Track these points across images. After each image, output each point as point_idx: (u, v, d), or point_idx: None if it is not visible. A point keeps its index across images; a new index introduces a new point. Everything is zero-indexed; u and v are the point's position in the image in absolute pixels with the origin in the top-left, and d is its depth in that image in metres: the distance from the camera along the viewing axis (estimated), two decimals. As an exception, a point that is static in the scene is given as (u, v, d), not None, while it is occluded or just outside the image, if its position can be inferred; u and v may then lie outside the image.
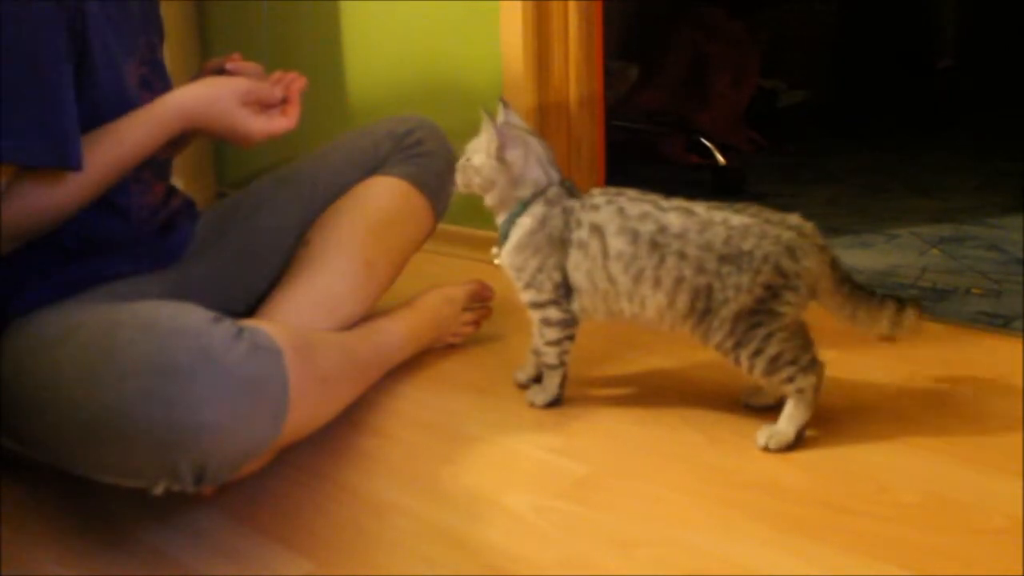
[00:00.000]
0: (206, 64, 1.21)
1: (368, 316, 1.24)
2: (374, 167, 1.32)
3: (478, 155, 1.11)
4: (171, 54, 1.20)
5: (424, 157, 1.33)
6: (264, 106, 1.08)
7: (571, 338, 1.12)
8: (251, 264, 1.24)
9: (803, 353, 1.01)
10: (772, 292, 0.99)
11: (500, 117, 1.13)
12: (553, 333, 1.11)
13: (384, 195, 1.29)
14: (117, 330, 0.85)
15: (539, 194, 1.09)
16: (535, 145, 1.12)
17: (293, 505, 0.97)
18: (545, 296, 1.09)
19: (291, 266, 1.22)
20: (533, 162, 1.10)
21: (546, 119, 1.76)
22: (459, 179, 1.14)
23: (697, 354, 1.28)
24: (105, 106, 0.98)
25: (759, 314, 0.99)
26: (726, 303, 1.00)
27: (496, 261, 1.14)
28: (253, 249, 1.25)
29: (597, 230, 1.05)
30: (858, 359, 1.08)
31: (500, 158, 1.09)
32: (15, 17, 0.86)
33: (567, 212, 1.07)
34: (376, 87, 2.01)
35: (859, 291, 1.02)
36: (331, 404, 1.04)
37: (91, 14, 0.95)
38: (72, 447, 0.87)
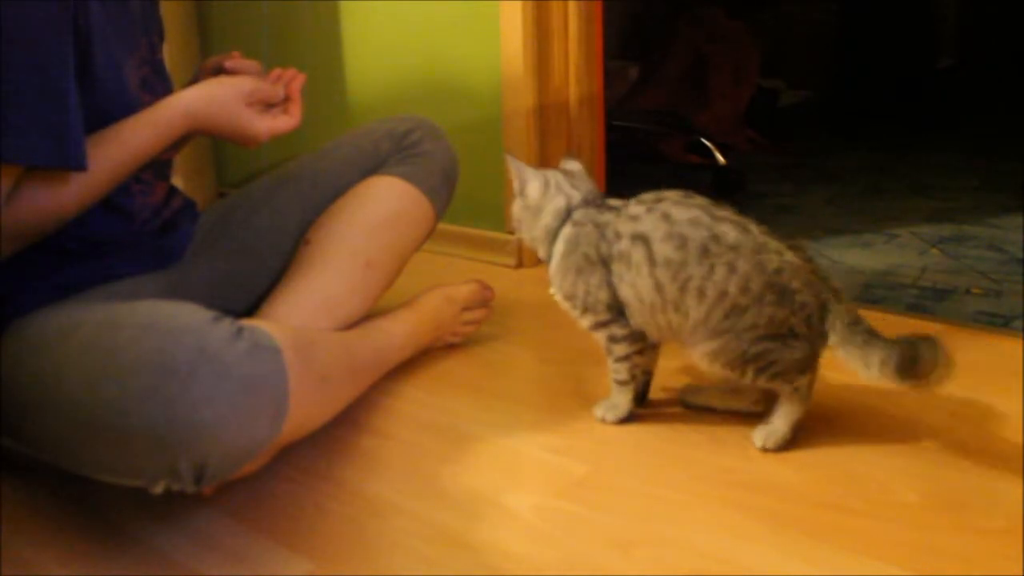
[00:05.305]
0: (205, 63, 1.21)
1: (368, 316, 1.24)
2: (374, 167, 1.32)
3: (514, 203, 1.12)
4: (171, 54, 1.20)
5: (423, 157, 1.33)
6: (267, 105, 1.08)
7: (641, 352, 1.09)
8: (251, 264, 1.24)
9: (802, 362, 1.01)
10: (794, 335, 0.98)
11: (563, 165, 1.14)
12: (621, 349, 1.08)
13: (384, 195, 1.29)
14: (117, 329, 0.85)
15: (566, 218, 1.08)
16: (552, 174, 1.11)
17: (293, 505, 0.97)
18: (603, 316, 1.07)
19: (291, 266, 1.22)
20: (552, 191, 1.10)
21: (546, 119, 1.76)
22: (516, 232, 1.15)
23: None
24: (106, 107, 0.98)
25: (777, 340, 0.98)
26: (754, 329, 0.98)
27: (556, 298, 1.12)
28: (253, 249, 1.25)
29: (641, 239, 1.01)
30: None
31: (522, 194, 1.10)
32: (20, 17, 0.86)
33: (601, 227, 1.05)
34: (376, 87, 2.01)
35: (874, 340, 0.97)
36: (331, 403, 1.04)
37: (93, 14, 0.95)
38: (72, 446, 0.87)
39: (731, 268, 0.97)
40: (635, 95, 2.79)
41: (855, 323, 0.98)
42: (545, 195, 1.10)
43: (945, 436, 1.04)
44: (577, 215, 1.08)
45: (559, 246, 1.08)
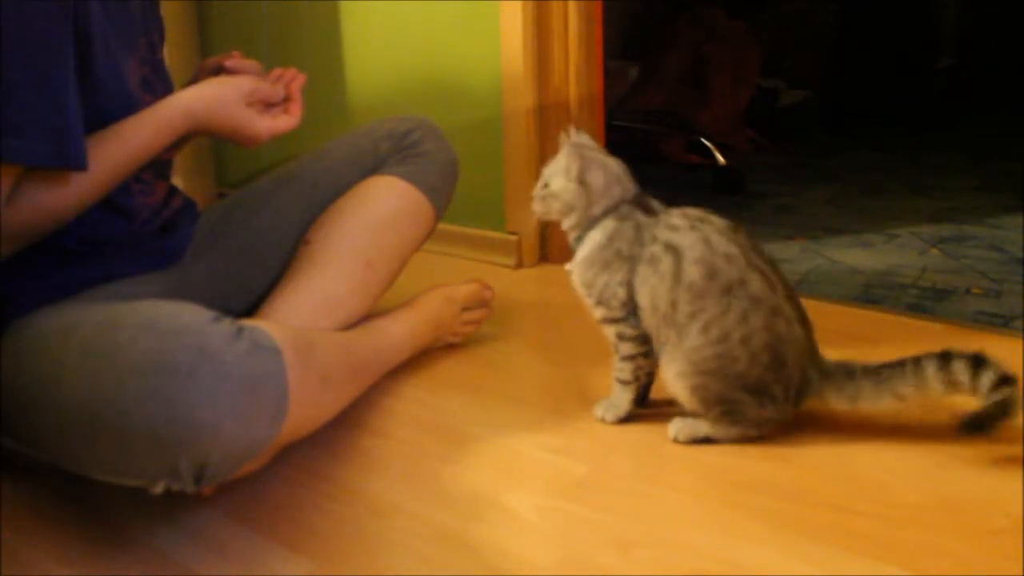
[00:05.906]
0: (205, 63, 1.21)
1: (368, 316, 1.24)
2: (374, 167, 1.32)
3: (556, 180, 1.09)
4: (171, 54, 1.20)
5: (423, 157, 1.33)
6: (267, 105, 1.08)
7: (646, 355, 1.08)
8: (251, 264, 1.24)
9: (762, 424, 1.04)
10: (771, 399, 1.00)
11: (572, 139, 1.12)
12: (628, 348, 1.08)
13: (384, 195, 1.29)
14: (117, 329, 0.85)
15: (611, 210, 1.08)
16: (612, 164, 1.10)
17: (293, 505, 0.97)
18: (615, 313, 1.06)
19: (291, 266, 1.22)
20: (613, 181, 1.09)
21: (546, 119, 1.76)
22: (538, 207, 1.12)
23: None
24: (106, 107, 0.98)
25: (754, 395, 1.00)
26: (740, 379, 0.99)
27: (573, 280, 1.11)
28: (253, 249, 1.25)
29: (674, 250, 1.01)
30: (857, 359, 1.08)
31: (582, 181, 1.08)
32: (20, 16, 0.86)
33: (639, 227, 1.05)
34: (376, 87, 2.01)
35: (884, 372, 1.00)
36: (331, 404, 1.04)
37: (93, 14, 0.95)
38: (72, 446, 0.87)
39: (743, 317, 0.98)
40: (635, 95, 2.79)
41: (850, 374, 1.00)
42: (606, 184, 1.08)
43: (945, 436, 1.04)
44: (624, 210, 1.07)
45: (596, 235, 1.07)
